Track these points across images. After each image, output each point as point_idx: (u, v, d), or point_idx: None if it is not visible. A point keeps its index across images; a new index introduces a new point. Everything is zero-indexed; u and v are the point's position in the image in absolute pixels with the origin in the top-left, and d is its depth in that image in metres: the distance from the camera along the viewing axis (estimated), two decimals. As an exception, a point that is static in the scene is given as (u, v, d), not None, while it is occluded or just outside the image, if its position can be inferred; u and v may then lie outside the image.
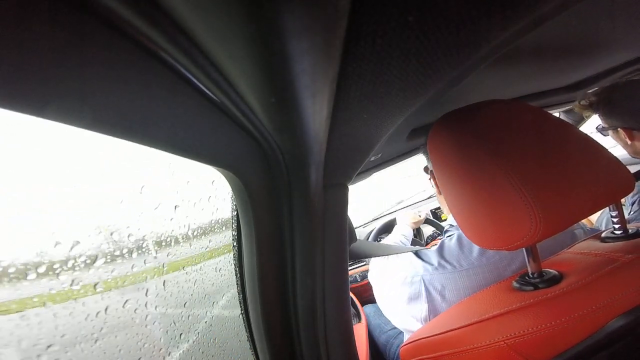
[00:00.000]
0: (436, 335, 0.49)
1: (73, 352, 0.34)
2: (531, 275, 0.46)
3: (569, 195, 0.39)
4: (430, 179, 0.75)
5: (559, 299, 0.41)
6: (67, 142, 0.30)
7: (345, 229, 0.47)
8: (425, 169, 0.79)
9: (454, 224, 0.66)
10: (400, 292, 0.61)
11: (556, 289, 0.42)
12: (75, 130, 0.19)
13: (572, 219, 0.40)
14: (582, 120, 1.39)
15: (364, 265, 1.62)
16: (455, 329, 0.47)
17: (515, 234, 0.40)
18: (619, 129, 0.90)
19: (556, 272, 0.45)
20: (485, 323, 0.44)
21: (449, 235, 0.63)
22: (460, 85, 0.54)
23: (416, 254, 0.62)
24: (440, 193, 0.70)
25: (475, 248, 0.57)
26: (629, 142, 0.90)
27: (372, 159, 0.84)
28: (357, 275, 1.61)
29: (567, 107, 1.19)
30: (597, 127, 0.99)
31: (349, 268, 0.93)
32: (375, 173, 1.00)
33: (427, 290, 0.57)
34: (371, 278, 0.80)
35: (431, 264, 0.58)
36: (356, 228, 1.78)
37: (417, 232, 1.71)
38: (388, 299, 0.66)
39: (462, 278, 0.55)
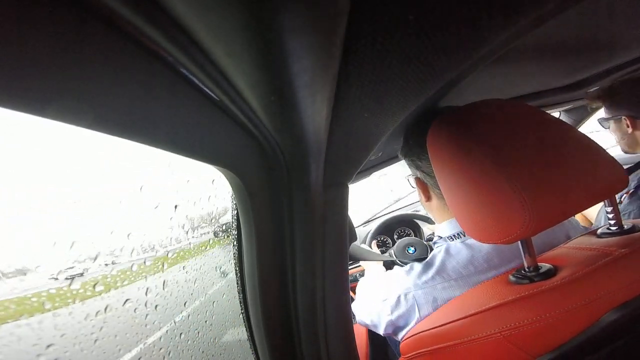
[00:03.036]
0: (435, 328, 0.50)
1: (72, 351, 0.34)
2: (527, 269, 0.47)
3: (562, 190, 0.40)
4: (414, 184, 0.71)
5: (554, 291, 0.42)
6: (67, 142, 0.30)
7: (345, 228, 0.47)
8: (409, 178, 0.75)
9: (442, 235, 0.65)
10: (396, 315, 0.60)
11: (551, 281, 0.43)
12: (76, 130, 0.19)
13: (565, 214, 0.41)
14: (581, 120, 1.40)
15: (364, 264, 1.62)
16: (453, 321, 0.48)
17: (509, 228, 0.41)
18: (623, 118, 0.95)
19: (551, 266, 0.46)
20: (482, 315, 0.45)
21: (438, 247, 0.62)
22: (460, 85, 0.54)
23: (405, 271, 0.62)
24: (427, 200, 0.67)
25: (463, 258, 0.57)
26: (630, 130, 0.95)
27: (373, 157, 0.84)
28: (357, 274, 1.61)
29: (567, 107, 1.19)
30: (598, 120, 1.04)
31: (349, 267, 0.93)
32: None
33: (419, 305, 0.57)
34: (361, 292, 0.77)
35: (420, 279, 0.58)
36: (356, 227, 1.77)
37: (417, 232, 1.72)
38: (379, 321, 0.64)
39: (452, 288, 0.56)
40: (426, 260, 0.61)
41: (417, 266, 0.61)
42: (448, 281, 0.56)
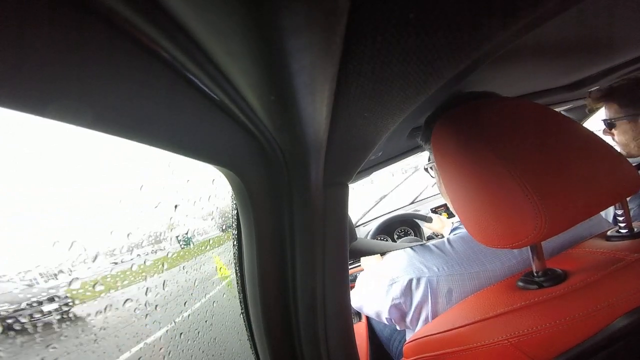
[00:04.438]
0: (440, 333, 0.49)
1: (73, 351, 0.34)
2: (536, 274, 0.46)
3: (575, 194, 0.39)
4: (435, 176, 0.71)
5: (563, 298, 0.41)
6: (67, 142, 0.30)
7: (345, 228, 0.46)
8: (429, 167, 0.76)
9: None
10: (404, 300, 0.57)
11: (560, 287, 0.42)
12: (75, 130, 0.19)
13: (578, 218, 0.40)
14: (582, 119, 1.39)
15: (364, 264, 1.61)
16: (459, 327, 0.47)
17: (520, 233, 0.39)
18: (639, 119, 0.90)
19: (560, 271, 0.45)
20: (489, 321, 0.44)
21: (456, 232, 0.59)
22: (461, 84, 0.54)
23: (418, 253, 0.58)
24: None
25: (488, 248, 0.53)
26: None
27: (373, 157, 0.83)
28: (357, 274, 1.61)
29: (568, 107, 1.19)
30: (603, 120, 0.99)
31: (349, 267, 0.93)
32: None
33: (432, 293, 0.53)
34: (362, 281, 0.74)
35: (436, 265, 0.54)
36: (356, 227, 1.77)
37: (417, 232, 1.72)
38: (382, 306, 0.61)
39: (472, 280, 0.52)
40: (444, 244, 0.57)
41: (433, 249, 0.57)
42: (470, 273, 0.53)
